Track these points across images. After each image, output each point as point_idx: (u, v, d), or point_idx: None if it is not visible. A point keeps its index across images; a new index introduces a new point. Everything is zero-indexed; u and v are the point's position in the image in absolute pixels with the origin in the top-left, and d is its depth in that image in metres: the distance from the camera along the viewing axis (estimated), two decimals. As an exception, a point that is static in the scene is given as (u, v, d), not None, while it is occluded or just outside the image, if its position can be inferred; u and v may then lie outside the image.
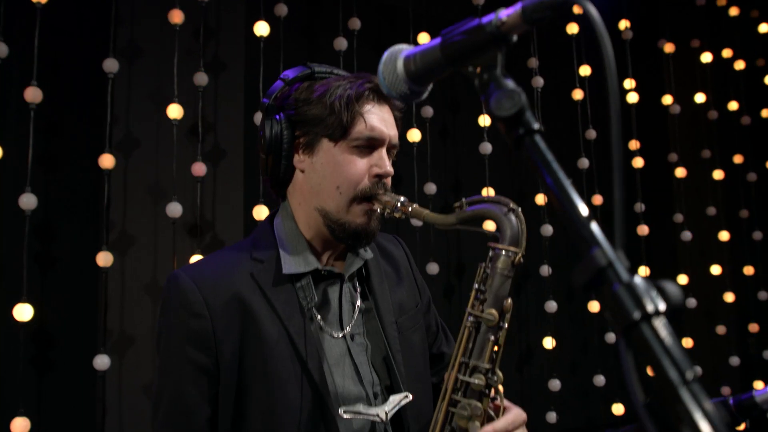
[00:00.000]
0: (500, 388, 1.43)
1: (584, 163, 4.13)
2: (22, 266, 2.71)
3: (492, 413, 1.46)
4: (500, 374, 1.41)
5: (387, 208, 1.61)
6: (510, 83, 0.86)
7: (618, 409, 4.02)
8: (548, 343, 3.85)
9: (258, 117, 3.17)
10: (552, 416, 3.75)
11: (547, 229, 3.89)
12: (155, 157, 3.17)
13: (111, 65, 2.95)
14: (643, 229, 4.26)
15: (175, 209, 2.97)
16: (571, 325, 4.29)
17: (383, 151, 1.67)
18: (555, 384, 3.78)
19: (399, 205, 1.59)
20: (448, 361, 1.46)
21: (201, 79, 3.14)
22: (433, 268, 3.58)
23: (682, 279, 4.51)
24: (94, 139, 3.01)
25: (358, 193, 1.64)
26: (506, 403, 1.50)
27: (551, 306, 3.85)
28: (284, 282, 1.64)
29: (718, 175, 4.73)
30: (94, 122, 3.05)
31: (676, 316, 0.69)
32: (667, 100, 4.69)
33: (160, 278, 3.10)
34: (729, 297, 4.60)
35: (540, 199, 3.96)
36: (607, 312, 0.71)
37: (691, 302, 4.41)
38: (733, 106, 4.89)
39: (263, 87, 3.25)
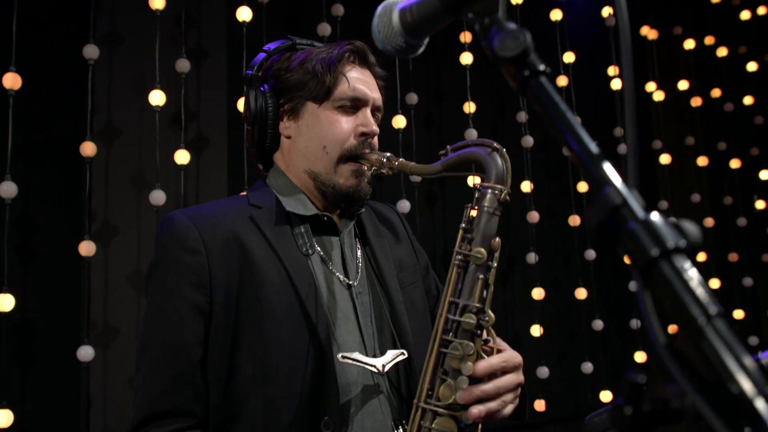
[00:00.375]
0: (492, 331, 1.39)
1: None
2: (3, 256, 2.66)
3: (485, 356, 1.41)
4: (491, 315, 1.37)
5: (374, 165, 1.62)
6: (513, 25, 0.82)
7: (606, 396, 4.01)
8: (536, 330, 3.83)
9: (241, 104, 3.12)
10: (541, 404, 3.73)
11: (534, 216, 3.87)
12: (137, 145, 3.12)
13: (91, 51, 2.89)
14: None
15: (158, 197, 2.92)
16: (557, 313, 4.27)
17: (367, 111, 1.68)
18: (543, 371, 3.76)
19: (385, 160, 1.60)
20: (421, 371, 1.42)
21: (183, 65, 3.09)
22: (420, 255, 3.54)
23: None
24: (75, 127, 2.95)
25: (344, 152, 1.64)
26: (500, 343, 1.45)
27: (538, 293, 3.83)
28: (284, 224, 1.63)
29: (702, 161, 4.74)
30: (75, 110, 2.99)
31: (694, 255, 0.66)
32: (651, 87, 4.69)
33: (143, 268, 3.04)
34: (714, 283, 4.60)
35: (526, 186, 3.93)
36: (622, 251, 0.68)
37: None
38: (716, 93, 4.91)
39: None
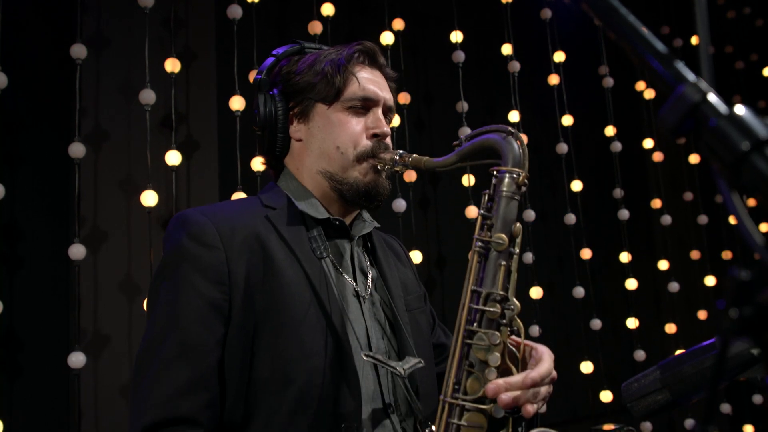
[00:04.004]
0: (519, 321, 1.32)
1: (563, 148, 4.07)
2: (-10, 262, 2.57)
3: (513, 348, 1.35)
4: (517, 303, 1.31)
5: (388, 164, 1.59)
6: None
7: (606, 396, 3.96)
8: (534, 330, 3.78)
9: (233, 103, 3.07)
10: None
11: (530, 215, 3.82)
12: (126, 147, 3.04)
13: (79, 51, 2.81)
14: (624, 214, 4.22)
15: (150, 198, 2.84)
16: (554, 313, 4.23)
17: (379, 112, 1.66)
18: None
19: (398, 158, 1.57)
20: (449, 352, 1.35)
21: (173, 65, 3.02)
22: (416, 256, 3.49)
23: (663, 264, 4.48)
24: (63, 129, 2.87)
25: (358, 153, 1.61)
26: (527, 342, 1.40)
27: (536, 293, 3.79)
28: (299, 225, 1.59)
29: (694, 159, 4.73)
30: (62, 112, 2.90)
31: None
32: (641, 86, 4.68)
33: (134, 274, 2.96)
34: (710, 281, 4.59)
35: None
36: (704, 149, 0.61)
37: (674, 286, 4.38)
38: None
39: (238, 74, 3.13)
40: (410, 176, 3.54)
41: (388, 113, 1.69)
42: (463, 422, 1.27)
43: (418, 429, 1.57)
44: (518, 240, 1.36)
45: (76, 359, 2.62)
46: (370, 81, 1.65)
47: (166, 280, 1.48)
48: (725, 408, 4.51)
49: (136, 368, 1.45)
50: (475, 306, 1.31)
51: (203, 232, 1.48)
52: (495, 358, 1.27)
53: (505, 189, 1.36)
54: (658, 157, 4.57)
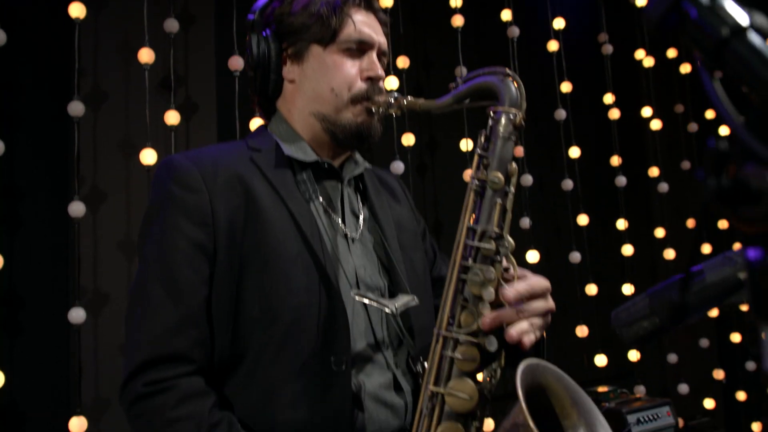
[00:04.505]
0: (512, 258, 1.35)
1: (561, 114, 4.08)
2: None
3: (505, 285, 1.37)
4: (511, 241, 1.34)
5: (382, 107, 1.59)
6: None
7: (600, 360, 4.00)
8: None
9: (232, 63, 3.07)
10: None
11: (527, 179, 3.84)
12: (125, 107, 3.05)
13: (77, 10, 2.80)
14: (621, 181, 4.23)
15: (149, 156, 2.85)
16: (550, 278, 4.22)
17: (373, 55, 1.65)
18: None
19: (392, 100, 1.57)
20: (441, 300, 1.37)
21: (171, 26, 3.02)
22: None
23: (659, 232, 4.50)
24: (61, 88, 2.87)
25: (353, 95, 1.61)
26: (521, 271, 1.42)
27: (533, 256, 3.81)
28: (285, 168, 1.60)
29: (692, 128, 4.74)
30: (61, 71, 2.90)
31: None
32: (640, 54, 4.67)
33: (134, 232, 2.98)
34: (706, 248, 4.61)
35: (519, 150, 3.90)
36: (687, 41, 0.63)
37: (670, 254, 4.41)
38: (704, 60, 4.90)
39: (237, 35, 3.13)
40: (408, 140, 3.54)
41: (382, 57, 1.68)
42: (456, 354, 1.30)
43: (410, 364, 1.59)
44: (513, 180, 1.38)
45: (77, 315, 2.65)
46: (365, 24, 1.64)
47: (153, 224, 1.52)
48: (719, 374, 4.55)
49: (128, 311, 1.50)
50: (470, 242, 1.33)
51: (187, 176, 1.50)
52: (489, 293, 1.30)
53: (501, 129, 1.38)
54: (656, 125, 4.57)
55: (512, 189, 1.37)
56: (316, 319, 1.47)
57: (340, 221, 1.64)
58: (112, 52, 3.07)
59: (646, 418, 3.35)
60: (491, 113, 1.40)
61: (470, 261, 1.32)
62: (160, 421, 1.39)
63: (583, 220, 4.10)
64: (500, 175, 1.34)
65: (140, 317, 1.45)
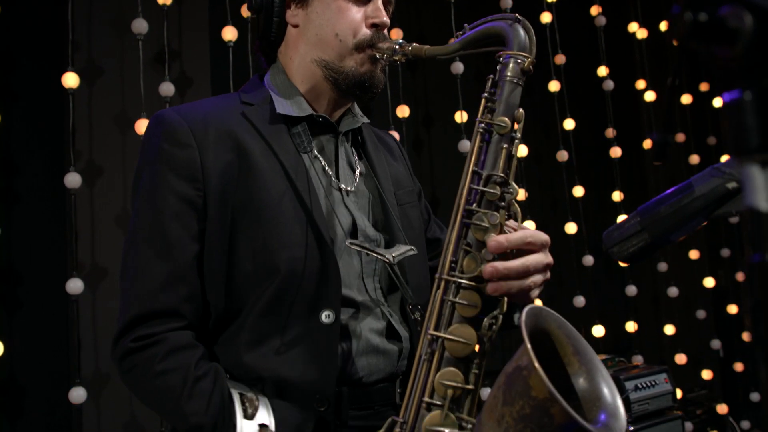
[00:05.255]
0: (517, 205, 1.33)
1: (555, 86, 4.08)
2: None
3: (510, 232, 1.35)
4: (516, 187, 1.32)
5: (386, 53, 1.56)
6: None
7: (598, 330, 4.01)
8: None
9: (225, 34, 3.05)
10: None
11: (522, 150, 3.83)
12: (120, 79, 3.04)
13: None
14: (616, 152, 4.24)
15: (145, 127, 2.82)
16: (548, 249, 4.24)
17: (379, 2, 1.61)
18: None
19: (397, 47, 1.54)
20: (443, 246, 1.36)
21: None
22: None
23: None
24: (56, 62, 2.85)
25: (357, 41, 1.58)
26: (523, 227, 1.40)
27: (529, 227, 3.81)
28: (278, 122, 1.58)
29: (686, 99, 4.74)
30: (55, 44, 2.89)
31: None
32: (633, 27, 4.67)
33: (130, 204, 2.96)
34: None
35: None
36: None
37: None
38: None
39: (230, 6, 3.12)
40: (403, 111, 3.54)
41: (387, 5, 1.65)
42: (458, 299, 1.27)
43: (407, 313, 1.59)
44: (520, 126, 1.35)
45: (74, 285, 2.64)
46: None
47: (143, 181, 1.51)
48: (715, 344, 4.57)
49: (121, 268, 1.50)
50: (475, 187, 1.31)
51: (176, 131, 1.49)
52: (492, 238, 1.29)
53: (509, 73, 1.35)
54: (650, 96, 4.57)
55: (519, 135, 1.35)
56: (309, 273, 1.47)
57: (332, 174, 1.63)
58: (106, 24, 3.05)
59: (644, 385, 3.37)
60: (500, 58, 1.37)
61: (474, 206, 1.30)
62: (148, 373, 1.40)
63: (578, 191, 4.11)
64: (507, 120, 1.32)
65: (133, 273, 1.46)
